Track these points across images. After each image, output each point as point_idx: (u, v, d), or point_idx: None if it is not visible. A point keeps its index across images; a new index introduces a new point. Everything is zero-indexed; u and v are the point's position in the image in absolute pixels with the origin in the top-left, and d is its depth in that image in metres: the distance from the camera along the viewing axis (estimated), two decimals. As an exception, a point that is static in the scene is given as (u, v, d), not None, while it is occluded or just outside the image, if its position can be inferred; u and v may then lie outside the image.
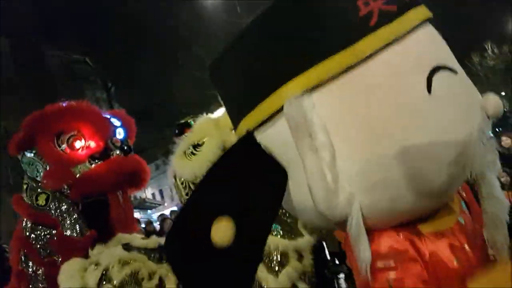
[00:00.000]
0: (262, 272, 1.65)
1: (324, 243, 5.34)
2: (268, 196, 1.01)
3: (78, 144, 2.21)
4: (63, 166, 2.17)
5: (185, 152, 1.83)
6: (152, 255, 1.87)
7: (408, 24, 0.96)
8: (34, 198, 2.20)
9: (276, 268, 1.66)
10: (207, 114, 2.13)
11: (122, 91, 18.57)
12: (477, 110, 0.99)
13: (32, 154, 2.23)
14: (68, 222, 2.16)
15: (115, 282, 1.72)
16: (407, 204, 0.95)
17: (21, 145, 2.25)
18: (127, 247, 1.90)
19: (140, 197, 27.10)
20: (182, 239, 1.01)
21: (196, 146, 1.80)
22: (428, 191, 0.95)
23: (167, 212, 13.31)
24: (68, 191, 2.18)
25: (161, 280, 1.75)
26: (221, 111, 1.97)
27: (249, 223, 0.98)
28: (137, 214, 21.36)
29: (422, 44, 0.99)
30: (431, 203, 1.01)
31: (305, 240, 1.74)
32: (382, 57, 0.94)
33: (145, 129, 17.89)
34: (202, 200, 1.04)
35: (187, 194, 1.88)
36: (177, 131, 2.19)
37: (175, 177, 1.95)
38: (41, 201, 2.18)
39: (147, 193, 29.97)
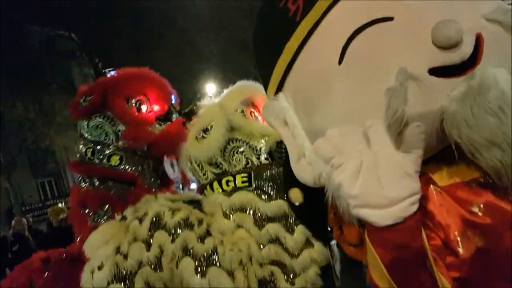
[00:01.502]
0: (281, 230, 1.76)
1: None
2: None
3: (144, 108, 2.36)
4: (142, 126, 2.31)
5: (196, 137, 1.96)
6: (193, 206, 1.93)
7: (323, 5, 1.03)
8: (105, 159, 2.31)
9: (292, 228, 1.78)
10: (194, 88, 2.20)
11: (108, 67, 18.31)
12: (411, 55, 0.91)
13: (101, 118, 2.33)
14: (148, 177, 2.36)
15: (168, 226, 1.78)
16: None
17: (93, 109, 2.33)
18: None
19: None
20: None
21: (205, 130, 1.94)
22: None
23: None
24: (144, 150, 2.32)
25: (208, 227, 1.82)
26: (210, 88, 2.05)
27: (309, 194, 1.49)
28: (130, 190, 21.50)
29: (341, 14, 1.02)
30: None
31: None
32: (308, 44, 1.07)
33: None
34: (285, 176, 1.70)
35: (204, 174, 2.00)
36: (185, 119, 2.34)
37: (191, 161, 2.06)
38: (114, 161, 2.30)
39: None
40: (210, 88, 15.02)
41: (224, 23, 15.23)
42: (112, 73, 2.55)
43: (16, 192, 20.04)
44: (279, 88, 1.19)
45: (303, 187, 1.41)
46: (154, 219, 1.84)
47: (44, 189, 22.96)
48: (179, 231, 1.78)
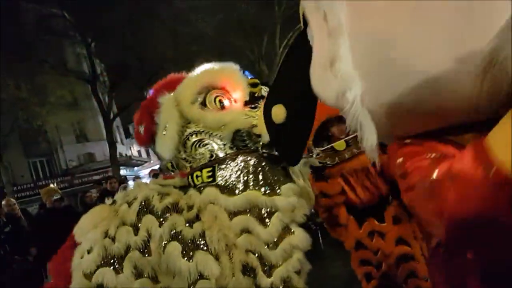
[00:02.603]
0: (251, 223, 1.75)
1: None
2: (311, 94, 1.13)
3: None
4: None
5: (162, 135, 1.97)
6: (184, 192, 1.93)
7: None
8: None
9: (265, 218, 1.76)
10: (189, 70, 2.17)
11: (103, 47, 18.09)
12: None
13: None
14: None
15: (156, 210, 1.78)
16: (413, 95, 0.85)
17: (151, 134, 2.32)
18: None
19: (126, 154, 27.16)
20: (265, 115, 1.46)
21: (165, 127, 1.93)
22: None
23: (156, 167, 13.35)
24: None
25: (198, 212, 1.82)
26: (201, 68, 1.99)
27: (295, 110, 1.37)
28: (123, 171, 21.47)
29: None
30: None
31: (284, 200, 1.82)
32: None
33: (127, 86, 17.70)
34: (270, 93, 1.57)
35: (172, 171, 2.04)
36: None
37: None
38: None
39: (133, 150, 29.98)
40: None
41: (221, 4, 15.06)
42: (150, 92, 2.60)
43: (8, 171, 19.94)
44: None
45: (290, 106, 1.37)
46: (142, 203, 1.83)
47: (36, 169, 22.85)
48: (167, 215, 1.77)
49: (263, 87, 1.99)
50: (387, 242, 2.34)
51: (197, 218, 1.80)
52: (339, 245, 2.65)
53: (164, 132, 1.92)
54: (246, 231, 1.75)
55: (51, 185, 7.46)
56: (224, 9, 15.07)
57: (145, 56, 16.11)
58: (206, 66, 2.00)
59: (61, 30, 17.85)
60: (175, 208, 1.79)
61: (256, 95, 1.93)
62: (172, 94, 1.97)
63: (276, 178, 1.84)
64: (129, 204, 1.89)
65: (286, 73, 1.36)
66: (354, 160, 2.35)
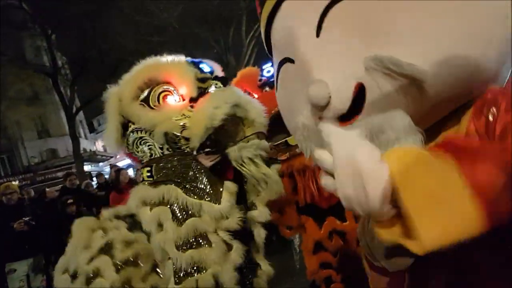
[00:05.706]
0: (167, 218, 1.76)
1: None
2: None
3: None
4: None
5: None
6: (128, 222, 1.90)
7: None
8: None
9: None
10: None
11: (63, 39, 17.59)
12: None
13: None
14: None
15: (117, 260, 1.77)
16: None
17: None
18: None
19: (90, 149, 26.60)
20: None
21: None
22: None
23: (120, 164, 13.10)
24: None
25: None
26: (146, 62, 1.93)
27: None
28: (88, 167, 21.04)
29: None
30: None
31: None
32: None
33: (89, 79, 17.29)
34: None
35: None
36: None
37: None
38: None
39: (98, 145, 29.38)
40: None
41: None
42: None
43: (-34, 169, 19.25)
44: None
45: None
46: (107, 243, 1.83)
47: (-5, 166, 22.14)
48: (98, 257, 1.77)
49: (213, 82, 1.93)
50: (347, 242, 2.29)
51: (131, 262, 1.78)
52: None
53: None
54: (159, 224, 1.76)
55: (13, 182, 7.19)
56: (187, 0, 14.86)
57: (107, 48, 15.75)
58: (151, 60, 1.95)
59: (19, 22, 17.24)
60: (133, 261, 1.77)
61: (206, 91, 1.88)
62: (116, 88, 1.94)
63: (202, 187, 1.84)
64: (104, 233, 1.89)
65: None
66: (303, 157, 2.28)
